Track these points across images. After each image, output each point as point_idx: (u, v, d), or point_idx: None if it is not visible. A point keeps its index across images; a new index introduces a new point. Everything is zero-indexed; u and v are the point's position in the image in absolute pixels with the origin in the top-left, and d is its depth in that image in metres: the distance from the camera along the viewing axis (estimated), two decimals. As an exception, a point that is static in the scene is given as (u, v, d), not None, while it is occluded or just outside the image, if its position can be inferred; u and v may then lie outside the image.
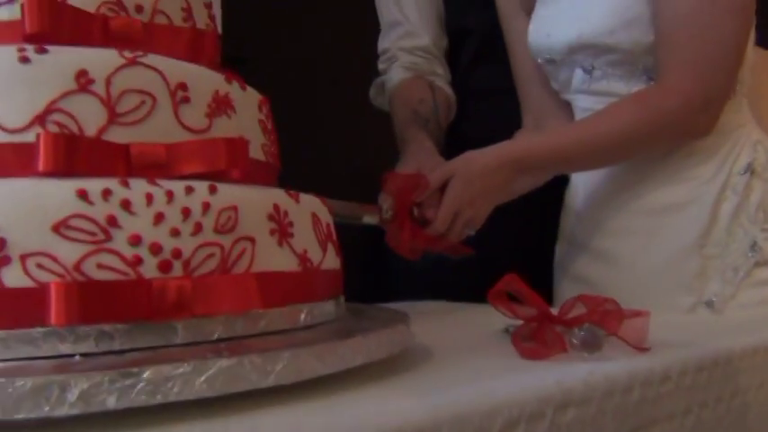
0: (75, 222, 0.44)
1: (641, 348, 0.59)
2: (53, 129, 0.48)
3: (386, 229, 0.94)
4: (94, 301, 0.43)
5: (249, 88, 0.62)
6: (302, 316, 0.53)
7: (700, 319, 0.92)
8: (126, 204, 0.46)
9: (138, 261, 0.45)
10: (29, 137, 0.48)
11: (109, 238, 0.45)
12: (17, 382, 0.36)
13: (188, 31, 0.60)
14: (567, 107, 1.09)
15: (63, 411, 0.37)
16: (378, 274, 1.33)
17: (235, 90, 0.58)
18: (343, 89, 1.64)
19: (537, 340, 0.60)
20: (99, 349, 0.43)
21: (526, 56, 1.10)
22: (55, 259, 0.43)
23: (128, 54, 0.52)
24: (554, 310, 0.63)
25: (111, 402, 0.38)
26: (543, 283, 1.16)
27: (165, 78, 0.53)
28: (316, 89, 1.82)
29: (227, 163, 0.53)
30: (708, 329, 0.77)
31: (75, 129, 0.49)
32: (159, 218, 0.47)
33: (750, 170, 0.98)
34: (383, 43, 1.30)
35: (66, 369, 0.39)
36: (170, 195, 0.47)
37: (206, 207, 0.49)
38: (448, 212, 0.92)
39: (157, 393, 0.39)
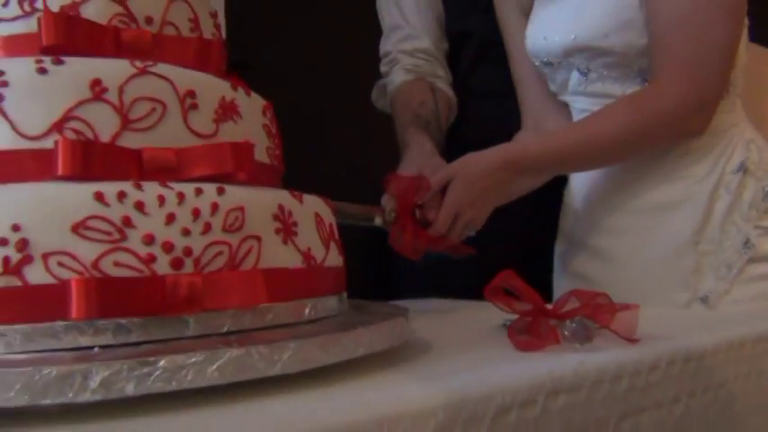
0: (92, 223, 0.47)
1: (631, 340, 0.61)
2: (70, 135, 0.51)
3: (389, 230, 0.95)
4: (112, 297, 0.46)
5: (254, 94, 0.64)
6: (307, 310, 0.56)
7: (690, 312, 0.94)
8: (140, 206, 0.48)
9: (151, 259, 0.48)
10: (47, 143, 0.51)
11: (124, 237, 0.47)
12: (44, 370, 0.39)
13: (195, 41, 0.63)
14: (566, 108, 1.10)
15: (85, 397, 0.40)
16: (381, 274, 1.35)
17: (240, 96, 0.61)
18: (346, 92, 1.65)
19: (532, 333, 0.62)
20: (116, 341, 0.46)
21: (525, 58, 1.11)
22: (74, 258, 0.46)
23: (139, 64, 0.55)
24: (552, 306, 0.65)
25: (130, 389, 0.41)
26: (543, 281, 1.18)
27: (174, 86, 0.55)
28: (318, 92, 1.83)
29: (233, 166, 0.55)
30: (697, 323, 0.79)
31: (90, 135, 0.52)
32: (171, 218, 0.49)
33: (743, 169, 0.99)
34: (385, 46, 1.31)
35: (87, 359, 0.42)
36: (181, 197, 0.50)
37: (215, 208, 0.51)
38: (448, 214, 0.93)
39: (172, 381, 0.42)
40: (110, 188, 0.48)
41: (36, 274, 0.46)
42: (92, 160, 0.50)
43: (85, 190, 0.48)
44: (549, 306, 0.65)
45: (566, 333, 0.59)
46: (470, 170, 0.95)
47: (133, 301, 0.47)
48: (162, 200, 0.49)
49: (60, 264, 0.46)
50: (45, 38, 0.55)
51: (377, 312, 0.63)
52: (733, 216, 0.99)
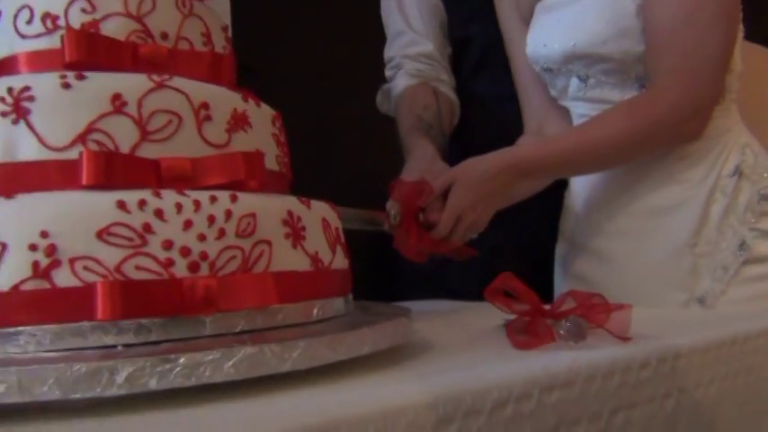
0: (115, 229, 0.50)
1: (624, 338, 0.64)
2: (93, 147, 0.54)
3: (394, 234, 0.98)
4: (134, 299, 0.49)
5: (263, 105, 0.66)
6: (315, 311, 0.58)
7: (681, 312, 0.96)
8: (159, 213, 0.51)
9: (170, 263, 0.51)
10: (72, 154, 0.54)
11: (145, 242, 0.50)
12: (74, 366, 0.42)
13: (208, 55, 0.66)
14: (567, 113, 1.12)
15: (112, 392, 0.43)
16: (387, 277, 1.37)
17: (251, 107, 0.63)
18: (350, 97, 1.67)
19: (529, 332, 0.65)
20: (138, 340, 0.49)
21: (526, 64, 1.13)
22: (99, 262, 0.49)
23: (156, 78, 0.57)
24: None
25: (153, 384, 0.44)
26: (545, 282, 1.20)
27: (189, 99, 0.58)
28: (323, 97, 1.84)
29: (245, 174, 0.58)
30: (688, 321, 0.82)
31: (111, 146, 0.55)
32: (188, 224, 0.52)
33: (738, 172, 1.01)
34: (389, 52, 1.32)
35: (112, 356, 0.45)
36: (197, 204, 0.53)
37: (228, 214, 0.54)
38: (450, 217, 0.96)
39: (192, 376, 0.44)
40: (131, 196, 0.51)
41: (64, 278, 0.48)
42: (113, 170, 0.53)
43: (108, 198, 0.50)
44: (548, 306, 0.68)
45: (561, 332, 0.62)
46: (471, 174, 0.97)
47: (153, 302, 0.49)
48: (179, 207, 0.52)
49: (86, 268, 0.49)
50: (68, 54, 0.58)
51: (381, 313, 0.66)
52: (729, 219, 1.01)
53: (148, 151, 0.56)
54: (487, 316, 0.75)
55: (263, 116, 0.65)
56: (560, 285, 1.17)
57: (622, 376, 0.59)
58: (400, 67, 1.30)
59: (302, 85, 1.77)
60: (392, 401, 0.46)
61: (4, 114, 0.54)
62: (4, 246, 0.48)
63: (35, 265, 0.48)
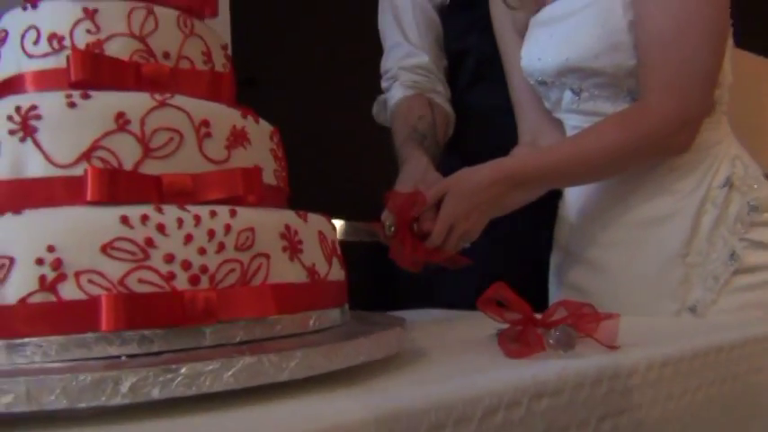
0: (119, 244, 0.51)
1: (612, 347, 0.66)
2: (97, 164, 0.56)
3: (389, 244, 0.99)
4: (137, 311, 0.50)
5: (262, 121, 0.68)
6: (311, 321, 0.60)
7: (670, 320, 0.98)
8: (161, 228, 0.53)
9: (171, 276, 0.52)
10: (77, 171, 0.55)
11: (147, 256, 0.52)
12: (80, 376, 0.44)
13: (208, 74, 0.67)
14: (561, 125, 1.14)
15: (116, 401, 0.44)
16: (382, 287, 1.38)
17: (250, 124, 0.65)
18: (347, 108, 1.68)
19: (521, 341, 0.67)
20: (141, 351, 0.50)
21: (522, 78, 1.15)
22: (103, 275, 0.50)
23: (158, 97, 0.59)
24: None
25: (155, 393, 0.45)
26: (540, 291, 1.22)
27: (190, 117, 0.59)
28: (320, 108, 1.86)
29: (244, 189, 0.59)
30: (676, 330, 0.83)
31: (115, 163, 0.56)
32: (189, 239, 0.53)
33: (728, 184, 1.03)
34: (386, 64, 1.34)
35: (116, 367, 0.46)
36: (197, 219, 0.54)
37: (227, 228, 0.55)
38: (443, 226, 0.97)
39: (193, 386, 0.46)
40: (134, 212, 0.52)
41: (69, 291, 0.50)
42: (117, 186, 0.55)
43: (112, 214, 0.52)
44: (539, 315, 0.70)
45: (550, 341, 0.64)
46: (464, 185, 0.99)
47: (156, 314, 0.51)
48: (180, 222, 0.53)
49: (91, 281, 0.50)
50: (74, 74, 0.59)
51: (376, 323, 0.67)
52: (719, 229, 1.02)
53: (151, 168, 0.57)
54: (480, 325, 0.76)
55: (261, 132, 0.67)
56: (555, 295, 1.18)
57: (610, 384, 0.60)
58: (396, 78, 1.31)
59: (299, 95, 1.79)
60: (387, 409, 0.47)
61: (13, 132, 0.56)
62: (12, 260, 0.50)
63: (42, 278, 0.50)
